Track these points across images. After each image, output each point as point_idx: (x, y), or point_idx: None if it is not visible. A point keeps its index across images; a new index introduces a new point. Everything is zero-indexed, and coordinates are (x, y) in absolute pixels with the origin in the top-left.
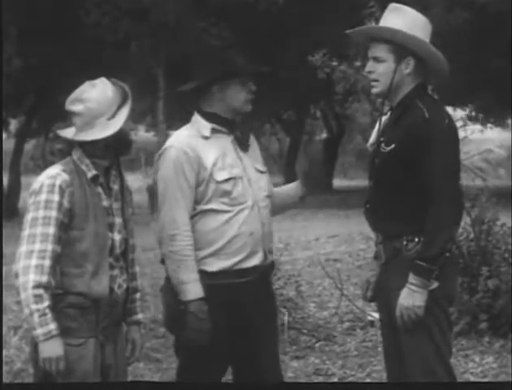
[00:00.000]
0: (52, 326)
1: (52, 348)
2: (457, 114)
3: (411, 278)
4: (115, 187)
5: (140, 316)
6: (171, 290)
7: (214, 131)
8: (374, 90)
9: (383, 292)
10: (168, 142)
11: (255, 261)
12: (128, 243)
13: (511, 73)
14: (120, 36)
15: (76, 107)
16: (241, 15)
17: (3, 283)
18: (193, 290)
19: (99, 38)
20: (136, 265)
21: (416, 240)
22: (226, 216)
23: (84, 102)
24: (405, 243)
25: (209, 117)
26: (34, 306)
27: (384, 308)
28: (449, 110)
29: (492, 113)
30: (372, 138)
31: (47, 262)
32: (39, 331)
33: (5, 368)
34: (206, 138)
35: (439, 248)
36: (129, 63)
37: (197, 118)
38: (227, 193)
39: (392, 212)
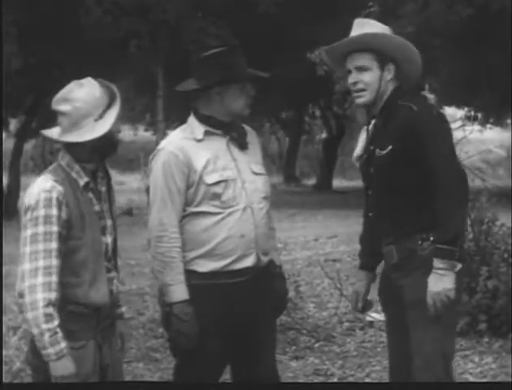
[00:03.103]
0: (63, 344)
1: (65, 367)
2: (457, 113)
3: (436, 263)
4: (103, 189)
5: (123, 309)
6: None
7: (207, 133)
8: (361, 100)
9: (391, 291)
10: (161, 144)
11: (247, 263)
12: (117, 241)
13: (511, 72)
14: (119, 35)
15: (63, 107)
16: (240, 15)
17: (3, 283)
18: (178, 292)
19: (98, 37)
20: (117, 256)
21: (431, 238)
22: (216, 218)
23: (71, 102)
24: (419, 242)
25: (204, 119)
26: (45, 326)
27: (392, 306)
28: (449, 109)
29: (492, 113)
30: (358, 150)
31: (54, 278)
32: (51, 351)
33: (4, 368)
34: (199, 141)
35: (455, 230)
36: (128, 62)
37: (192, 119)
38: (217, 196)
39: (400, 215)
